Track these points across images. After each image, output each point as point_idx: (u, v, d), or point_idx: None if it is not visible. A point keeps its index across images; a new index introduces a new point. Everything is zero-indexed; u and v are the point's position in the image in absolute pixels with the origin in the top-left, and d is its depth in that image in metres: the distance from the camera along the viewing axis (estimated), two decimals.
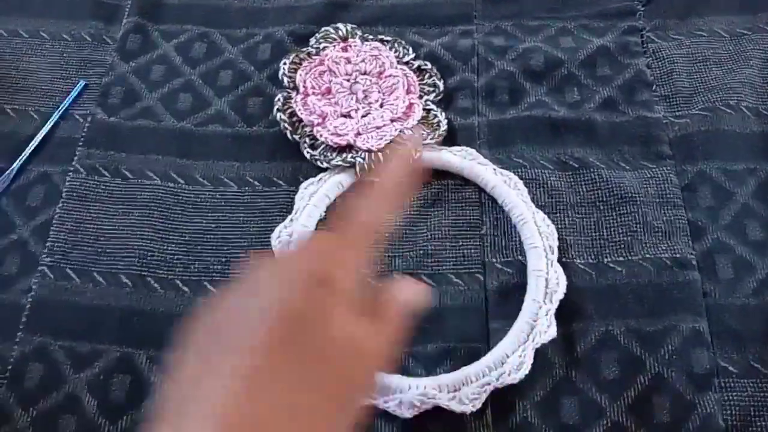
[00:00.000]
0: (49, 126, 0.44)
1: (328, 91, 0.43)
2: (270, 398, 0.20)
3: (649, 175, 0.41)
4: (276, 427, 0.20)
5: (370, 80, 0.44)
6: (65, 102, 0.45)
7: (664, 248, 0.38)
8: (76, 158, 0.43)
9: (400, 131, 0.41)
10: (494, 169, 0.41)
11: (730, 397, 0.34)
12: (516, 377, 0.34)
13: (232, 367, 0.21)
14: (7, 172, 0.42)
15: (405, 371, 0.35)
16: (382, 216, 0.27)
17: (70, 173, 0.42)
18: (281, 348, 0.22)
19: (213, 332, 0.23)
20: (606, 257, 0.38)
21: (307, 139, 0.42)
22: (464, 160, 0.41)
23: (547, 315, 0.36)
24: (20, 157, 0.42)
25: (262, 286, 0.24)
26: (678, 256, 0.38)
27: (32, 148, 0.43)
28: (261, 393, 0.20)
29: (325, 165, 0.41)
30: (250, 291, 0.24)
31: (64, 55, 0.47)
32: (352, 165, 0.40)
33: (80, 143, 0.43)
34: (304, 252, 0.26)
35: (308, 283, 0.23)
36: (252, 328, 0.22)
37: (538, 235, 0.38)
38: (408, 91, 0.43)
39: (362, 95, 0.43)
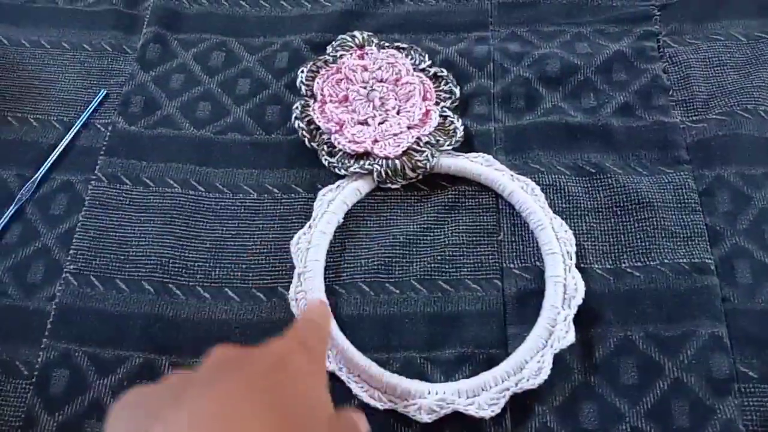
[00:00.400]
0: (71, 135, 0.44)
1: (346, 98, 0.44)
2: None
3: (666, 180, 0.41)
4: None
5: (387, 87, 0.44)
6: (86, 111, 0.45)
7: (682, 253, 0.38)
8: (97, 167, 0.43)
9: (416, 138, 0.41)
10: (511, 175, 0.41)
11: (750, 402, 0.34)
12: (535, 383, 0.34)
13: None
14: (31, 180, 0.42)
15: (424, 377, 0.36)
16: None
17: (92, 182, 0.43)
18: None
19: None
20: (624, 262, 0.38)
21: (325, 147, 0.42)
22: (481, 166, 0.41)
23: (565, 320, 0.36)
24: (43, 166, 0.43)
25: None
26: (696, 261, 0.38)
27: (55, 157, 0.43)
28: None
29: (342, 172, 0.41)
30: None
31: (86, 65, 0.48)
32: (370, 172, 0.41)
33: (101, 152, 0.44)
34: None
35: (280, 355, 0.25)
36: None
37: (555, 240, 0.38)
38: (424, 98, 0.44)
39: (379, 102, 0.43)
